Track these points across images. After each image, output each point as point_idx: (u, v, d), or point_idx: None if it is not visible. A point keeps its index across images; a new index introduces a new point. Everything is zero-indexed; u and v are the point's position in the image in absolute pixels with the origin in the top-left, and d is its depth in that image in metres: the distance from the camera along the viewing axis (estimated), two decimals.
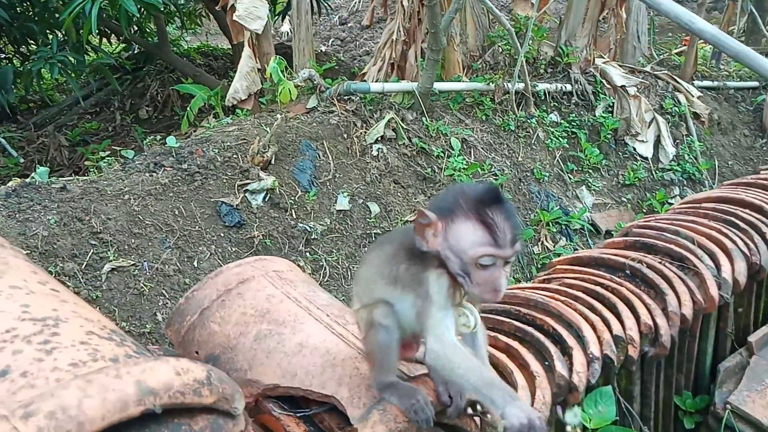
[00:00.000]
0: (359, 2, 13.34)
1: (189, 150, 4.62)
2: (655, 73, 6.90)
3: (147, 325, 3.78)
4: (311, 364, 1.58)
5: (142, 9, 6.45)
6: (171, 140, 4.60)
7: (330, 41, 12.31)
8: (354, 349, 1.61)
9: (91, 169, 4.86)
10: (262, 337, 1.67)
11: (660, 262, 2.70)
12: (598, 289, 2.54)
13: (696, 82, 7.33)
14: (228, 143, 4.68)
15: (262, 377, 1.60)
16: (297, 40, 5.74)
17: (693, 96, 6.87)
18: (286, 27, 11.45)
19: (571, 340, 2.24)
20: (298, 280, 1.89)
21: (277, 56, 5.29)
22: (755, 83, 7.89)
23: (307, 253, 4.42)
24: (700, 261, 2.73)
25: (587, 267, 2.75)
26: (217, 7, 5.83)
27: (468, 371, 1.39)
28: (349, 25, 12.99)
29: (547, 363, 2.18)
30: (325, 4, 9.65)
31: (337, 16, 13.20)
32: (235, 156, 4.60)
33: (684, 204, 3.33)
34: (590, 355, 2.19)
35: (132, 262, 3.97)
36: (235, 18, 5.29)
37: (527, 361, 2.15)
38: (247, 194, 4.45)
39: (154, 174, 4.42)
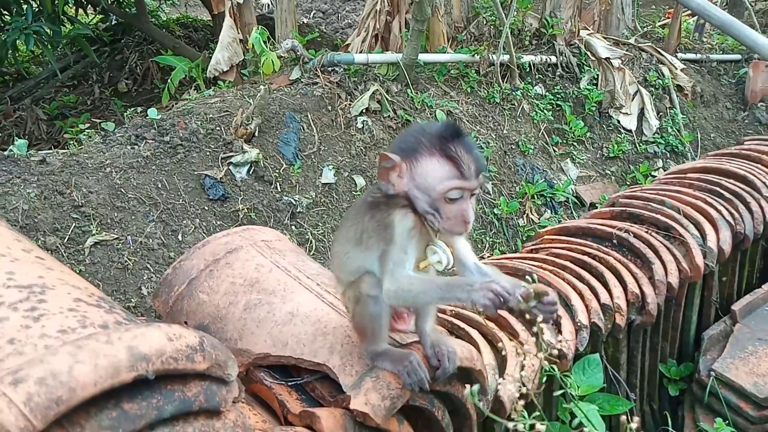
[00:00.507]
0: None
1: (171, 122, 4.54)
2: (639, 45, 6.88)
3: (132, 300, 3.74)
4: (302, 332, 1.57)
5: None
6: (152, 112, 4.51)
7: (312, 13, 12.10)
8: (345, 318, 1.60)
9: (71, 142, 4.75)
10: (251, 306, 1.65)
11: (646, 232, 2.72)
12: (585, 258, 2.55)
13: (679, 55, 7.33)
14: (211, 115, 4.60)
15: (253, 346, 1.59)
16: (279, 10, 5.63)
17: (676, 68, 6.87)
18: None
19: (559, 309, 2.25)
20: (287, 250, 1.87)
21: (259, 27, 5.19)
22: (737, 56, 7.90)
23: (293, 227, 4.39)
24: (686, 230, 2.75)
25: (574, 237, 2.75)
26: None
27: (426, 291, 1.41)
28: None
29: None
30: None
31: None
32: (218, 128, 4.53)
33: (669, 174, 3.34)
34: (578, 324, 2.20)
35: (115, 236, 3.91)
36: None
37: (516, 330, 2.16)
38: (230, 167, 4.40)
39: (136, 147, 4.34)
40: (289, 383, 1.56)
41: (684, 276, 2.57)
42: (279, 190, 4.48)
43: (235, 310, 1.65)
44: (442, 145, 1.41)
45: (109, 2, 8.69)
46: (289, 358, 1.54)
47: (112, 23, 9.52)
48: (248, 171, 4.44)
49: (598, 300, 2.32)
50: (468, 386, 1.37)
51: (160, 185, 4.19)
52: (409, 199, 1.44)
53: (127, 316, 1.06)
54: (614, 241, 2.69)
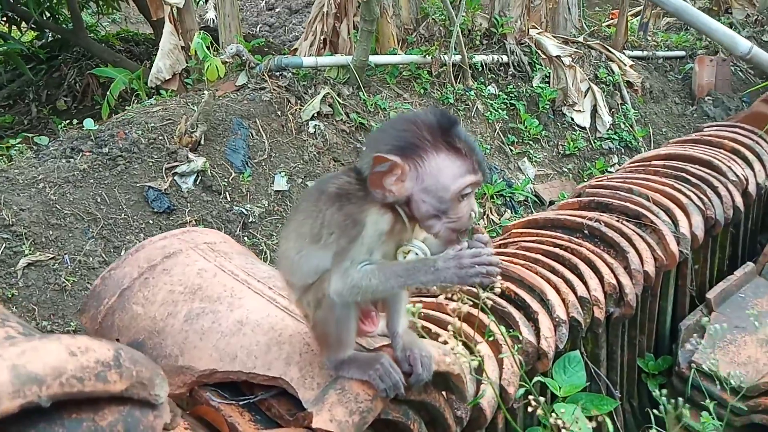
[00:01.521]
0: None
1: (110, 133, 4.26)
2: (588, 43, 6.88)
3: (72, 323, 3.45)
4: (253, 343, 1.36)
5: None
6: (88, 123, 4.22)
7: (258, 27, 11.87)
8: (303, 323, 1.40)
9: (1, 159, 4.43)
10: (194, 316, 1.43)
11: (617, 220, 2.59)
12: (557, 250, 2.41)
13: (627, 52, 7.37)
14: (153, 124, 4.34)
15: (196, 362, 1.37)
16: (222, 15, 5.41)
17: (625, 65, 6.89)
18: (211, 14, 10.96)
19: (535, 305, 2.09)
20: (233, 252, 1.66)
21: (201, 31, 4.95)
22: (682, 53, 8.01)
23: (245, 238, 4.15)
24: (657, 217, 2.64)
25: (543, 229, 2.61)
26: None
27: (383, 282, 1.23)
28: (276, 10, 12.58)
29: (511, 330, 2.02)
30: None
31: (264, 2, 12.76)
32: (160, 137, 4.27)
33: (634, 163, 3.25)
34: (557, 319, 2.05)
35: (51, 256, 3.61)
36: None
37: (491, 330, 1.99)
38: (176, 177, 4.14)
39: (72, 160, 4.05)
40: (241, 402, 1.35)
41: (659, 264, 2.45)
42: (228, 199, 4.24)
43: (174, 322, 1.43)
44: (446, 137, 1.24)
45: (45, 17, 8.32)
46: (239, 373, 1.33)
47: (48, 40, 9.14)
48: (195, 181, 4.19)
49: (575, 293, 2.17)
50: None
51: (99, 199, 3.91)
52: (404, 201, 1.26)
53: (25, 329, 0.84)
54: (585, 232, 2.55)
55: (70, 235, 3.72)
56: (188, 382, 1.36)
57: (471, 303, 1.36)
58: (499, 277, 1.24)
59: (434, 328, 1.87)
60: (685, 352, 2.67)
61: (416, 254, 1.26)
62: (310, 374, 1.31)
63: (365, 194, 1.25)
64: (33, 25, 8.67)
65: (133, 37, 10.09)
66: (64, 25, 8.72)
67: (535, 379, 1.92)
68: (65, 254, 3.63)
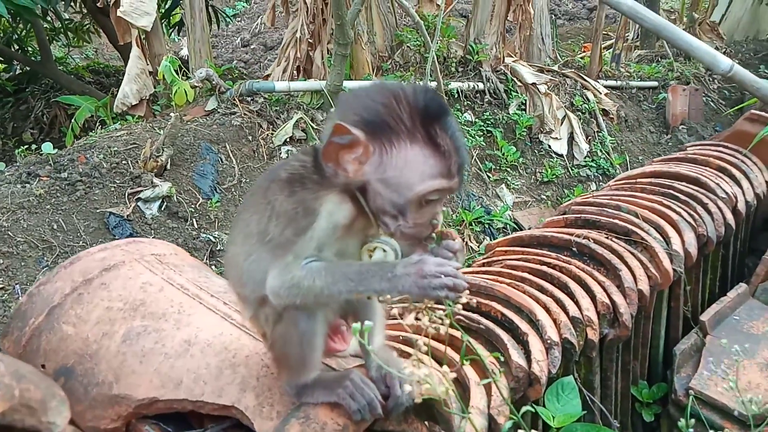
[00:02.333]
0: (261, 25, 12.90)
1: (70, 158, 4.03)
2: (563, 71, 6.87)
3: None
4: (202, 366, 1.15)
5: (13, 12, 5.77)
6: (47, 146, 4.00)
7: (233, 63, 11.77)
8: (261, 342, 1.19)
9: None
10: (133, 336, 1.22)
11: (607, 237, 2.44)
12: (544, 269, 2.24)
13: (601, 82, 7.37)
14: (116, 148, 4.13)
15: (134, 390, 1.16)
16: (192, 40, 5.26)
17: (600, 93, 6.88)
18: (185, 50, 10.83)
19: (524, 326, 1.91)
20: (185, 265, 1.45)
21: (170, 55, 4.79)
22: (655, 83, 8.05)
23: (213, 266, 3.92)
24: (648, 234, 2.49)
25: (529, 247, 2.45)
26: (98, 4, 5.25)
27: (332, 283, 1.02)
28: (252, 47, 12.52)
29: (499, 353, 1.83)
30: (224, 16, 9.17)
31: (239, 38, 12.69)
32: (124, 162, 4.06)
33: (619, 180, 3.12)
34: (548, 341, 1.86)
35: (0, 286, 3.35)
36: (119, 14, 4.76)
37: (476, 352, 1.79)
38: (139, 203, 3.92)
39: (28, 185, 3.81)
40: None
41: (653, 283, 2.29)
42: (196, 226, 4.02)
43: (110, 344, 1.22)
44: (427, 126, 1.03)
45: (13, 49, 8.13)
46: (184, 402, 1.12)
47: (16, 72, 8.93)
48: (160, 207, 3.97)
49: (566, 313, 1.99)
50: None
51: (55, 226, 3.67)
52: (361, 188, 1.06)
53: None
54: (573, 249, 2.39)
55: (23, 263, 3.46)
56: (123, 414, 1.14)
57: (441, 322, 1.14)
58: (466, 292, 1.04)
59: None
60: (681, 379, 2.50)
61: (384, 252, 1.06)
62: (269, 401, 1.10)
63: (322, 179, 1.06)
64: (1, 58, 8.47)
65: (104, 69, 9.91)
66: (33, 58, 8.53)
67: (524, 408, 1.72)
68: (16, 284, 3.37)
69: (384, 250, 1.07)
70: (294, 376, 1.10)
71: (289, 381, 1.11)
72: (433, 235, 1.08)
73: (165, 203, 3.98)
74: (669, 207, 2.68)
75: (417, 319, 1.11)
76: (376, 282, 1.01)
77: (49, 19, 8.19)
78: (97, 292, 1.31)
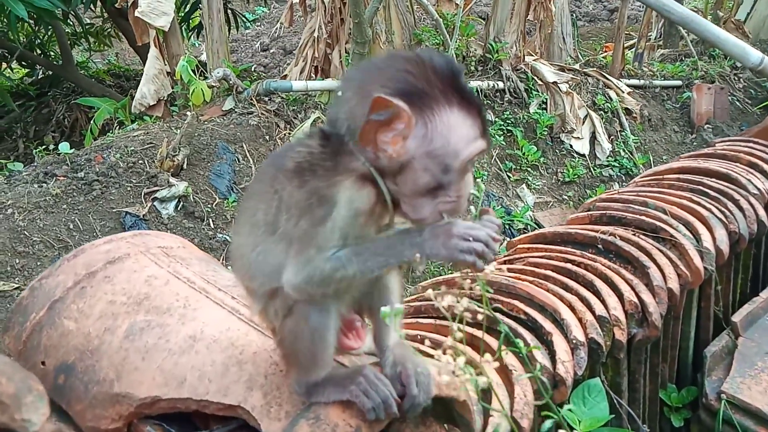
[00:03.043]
0: (281, 28, 12.92)
1: (86, 157, 4.02)
2: (585, 70, 6.75)
3: None
4: (207, 363, 1.09)
5: (35, 16, 5.82)
6: (64, 146, 4.00)
7: (253, 68, 11.80)
8: (270, 338, 1.13)
9: None
10: (136, 331, 1.16)
11: (634, 234, 2.34)
12: (569, 266, 2.15)
13: (623, 81, 7.25)
14: (132, 148, 4.11)
15: (136, 388, 1.09)
16: (210, 41, 5.24)
17: (623, 92, 6.75)
18: (205, 55, 10.87)
19: (548, 325, 1.82)
20: (192, 258, 1.39)
21: (187, 55, 4.77)
22: (678, 82, 7.90)
23: (229, 266, 3.87)
24: (677, 231, 2.38)
25: (552, 245, 2.35)
26: (116, 6, 5.26)
27: (363, 263, 0.96)
28: (271, 51, 12.53)
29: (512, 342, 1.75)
30: (243, 20, 9.18)
31: (258, 43, 12.72)
32: (140, 161, 4.04)
33: (645, 177, 3.02)
34: (573, 341, 1.78)
35: (16, 285, 3.33)
36: (137, 14, 4.75)
37: (506, 342, 1.71)
38: (155, 203, 3.89)
39: (45, 185, 3.80)
40: None
41: (684, 281, 2.19)
42: (212, 226, 3.98)
43: (112, 339, 1.17)
44: (457, 87, 0.96)
45: (36, 54, 8.21)
46: (188, 401, 1.06)
47: (39, 76, 9.02)
48: (176, 207, 3.94)
49: (593, 312, 1.90)
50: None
51: (71, 226, 3.65)
52: (383, 170, 0.97)
53: None
54: (599, 247, 2.29)
55: (39, 263, 3.45)
56: (125, 413, 1.08)
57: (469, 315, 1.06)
58: (494, 263, 0.98)
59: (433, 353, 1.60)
60: (712, 382, 2.39)
61: None
62: (277, 401, 1.04)
63: (335, 163, 0.97)
64: (23, 62, 8.57)
65: (124, 72, 9.98)
66: (55, 62, 8.61)
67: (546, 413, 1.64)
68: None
69: None
70: (304, 373, 1.03)
71: (298, 379, 1.04)
72: (473, 209, 1.02)
73: (181, 203, 3.96)
74: (698, 203, 2.57)
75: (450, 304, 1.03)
76: (406, 249, 0.95)
77: (70, 23, 8.26)
78: (101, 285, 1.26)
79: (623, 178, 6.17)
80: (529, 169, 5.72)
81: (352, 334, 1.12)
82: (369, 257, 0.96)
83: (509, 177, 5.55)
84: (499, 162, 5.59)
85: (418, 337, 1.69)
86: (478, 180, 1.04)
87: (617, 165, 6.17)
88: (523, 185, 5.59)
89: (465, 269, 0.97)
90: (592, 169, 6.09)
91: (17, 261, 3.41)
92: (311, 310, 1.00)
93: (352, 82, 1.01)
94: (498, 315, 1.79)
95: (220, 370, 1.08)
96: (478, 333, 1.73)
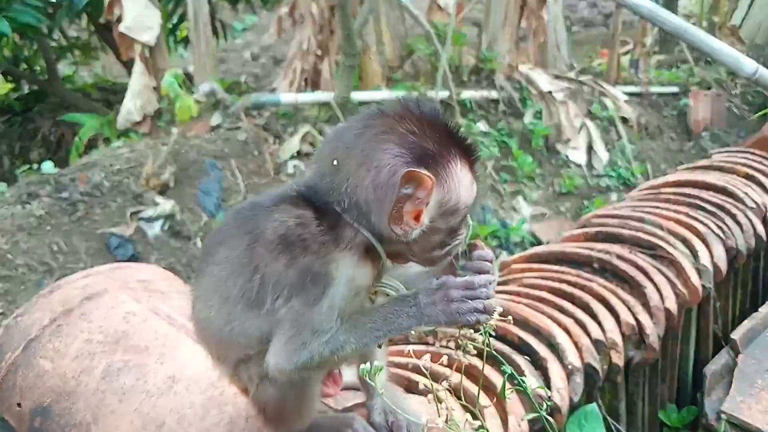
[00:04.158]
0: (270, 39, 12.89)
1: (71, 177, 3.96)
2: (580, 78, 6.73)
3: None
4: (186, 404, 1.04)
5: (19, 31, 5.75)
6: (47, 165, 3.93)
7: (243, 78, 11.75)
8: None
9: None
10: (113, 372, 1.11)
11: (630, 252, 2.30)
12: (564, 287, 2.10)
13: (620, 88, 7.23)
14: (118, 166, 4.05)
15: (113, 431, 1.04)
16: (197, 54, 5.18)
17: (619, 100, 6.72)
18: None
19: (543, 350, 1.77)
20: (173, 292, 1.34)
21: (174, 69, 4.72)
22: (675, 89, 7.89)
23: None
24: (674, 248, 2.34)
25: (547, 264, 2.31)
26: (101, 20, 5.21)
27: (359, 339, 0.92)
28: (262, 60, 12.51)
29: (516, 381, 1.70)
30: (232, 30, 9.13)
31: (249, 52, 12.70)
32: (126, 180, 3.98)
33: (641, 191, 2.98)
34: (569, 366, 1.73)
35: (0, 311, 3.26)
36: (122, 29, 4.70)
37: (492, 381, 1.66)
38: (141, 223, 3.82)
39: (28, 206, 3.73)
40: None
41: (681, 300, 2.14)
42: (200, 245, 3.91)
43: (89, 380, 1.11)
44: (453, 136, 0.93)
45: (21, 69, 8.15)
46: None
47: (24, 92, 8.95)
48: (162, 226, 3.87)
49: (589, 336, 1.85)
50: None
51: (55, 248, 3.58)
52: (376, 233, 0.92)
53: None
54: (595, 266, 2.25)
55: (22, 287, 3.38)
56: None
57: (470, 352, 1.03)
58: (497, 312, 0.94)
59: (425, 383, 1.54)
60: (711, 402, 2.35)
61: (387, 297, 0.95)
62: None
63: (333, 238, 0.91)
64: (8, 77, 8.50)
65: (111, 86, 9.90)
66: (40, 77, 8.54)
67: None
68: (15, 308, 3.27)
69: (387, 294, 0.96)
70: (287, 426, 0.97)
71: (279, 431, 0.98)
72: (461, 249, 0.98)
73: (168, 222, 3.89)
74: (696, 218, 2.53)
75: (457, 346, 0.99)
76: (403, 319, 0.91)
77: (55, 37, 8.20)
78: (77, 323, 1.20)
79: (621, 187, 6.14)
80: (524, 180, 5.67)
81: (330, 381, 1.07)
82: (366, 333, 0.91)
83: (505, 189, 5.51)
84: (494, 174, 5.55)
85: (409, 365, 1.63)
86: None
87: (615, 174, 6.13)
88: (519, 197, 5.55)
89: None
90: (589, 179, 6.05)
91: (0, 285, 3.34)
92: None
93: (353, 151, 0.92)
94: (499, 347, 1.74)
95: (200, 412, 1.03)
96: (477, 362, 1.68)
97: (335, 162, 0.93)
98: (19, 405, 1.16)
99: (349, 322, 0.92)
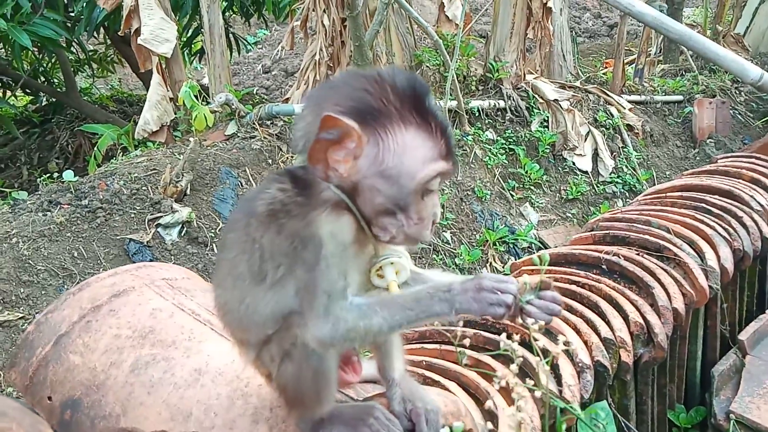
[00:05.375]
0: (282, 51, 13.02)
1: (90, 185, 4.04)
2: (586, 87, 6.78)
3: None
4: (213, 396, 1.09)
5: (38, 44, 5.89)
6: (68, 174, 4.02)
7: (255, 90, 11.89)
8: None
9: None
10: (142, 365, 1.17)
11: (638, 254, 2.34)
12: (573, 288, 2.14)
13: (624, 97, 7.27)
14: (136, 175, 4.13)
15: (142, 422, 1.10)
16: (212, 66, 5.28)
17: (624, 108, 6.76)
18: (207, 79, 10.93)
19: (552, 349, 1.82)
20: (197, 289, 1.40)
21: (189, 80, 4.81)
22: (680, 97, 7.92)
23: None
24: (681, 250, 2.38)
25: (556, 266, 2.35)
26: (119, 34, 5.33)
27: (388, 320, 0.95)
28: (273, 73, 12.63)
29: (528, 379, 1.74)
30: (245, 43, 9.25)
31: (260, 65, 12.83)
32: (144, 188, 4.06)
33: (648, 195, 3.02)
34: (579, 364, 1.77)
35: (20, 315, 3.33)
36: (140, 42, 4.80)
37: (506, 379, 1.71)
38: (159, 229, 3.90)
39: (49, 213, 3.82)
40: None
41: (689, 301, 2.18)
42: (216, 251, 3.99)
43: (118, 374, 1.17)
44: (417, 107, 0.95)
45: (39, 81, 8.29)
46: None
47: (42, 103, 9.10)
48: (180, 232, 3.95)
49: (598, 334, 1.90)
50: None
51: (76, 254, 3.66)
52: (351, 193, 0.97)
53: None
54: (603, 267, 2.29)
55: (43, 292, 3.45)
56: None
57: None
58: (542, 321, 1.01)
59: (438, 379, 1.59)
60: (720, 402, 2.38)
61: (392, 264, 0.99)
62: None
63: (307, 198, 0.96)
64: (27, 90, 8.64)
65: (127, 97, 10.05)
66: (58, 89, 8.68)
67: None
68: (36, 313, 3.35)
69: (392, 263, 1.00)
70: (308, 412, 1.03)
71: (302, 418, 1.03)
72: (527, 285, 1.01)
73: (185, 229, 3.97)
74: (702, 221, 2.57)
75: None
76: (436, 304, 0.95)
77: (73, 50, 8.35)
78: (106, 319, 1.26)
79: (627, 194, 6.17)
80: (532, 187, 5.72)
81: (349, 368, 1.12)
82: (397, 311, 0.95)
83: (512, 195, 5.55)
84: (501, 181, 5.59)
85: (423, 363, 1.69)
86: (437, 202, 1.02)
87: (620, 181, 6.17)
88: (527, 203, 5.59)
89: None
90: (595, 186, 6.09)
91: (22, 290, 3.42)
92: (310, 351, 1.00)
93: (311, 101, 1.01)
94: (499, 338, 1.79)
95: (226, 403, 1.08)
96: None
97: (301, 111, 1.02)
98: (49, 398, 1.22)
99: (384, 299, 0.97)
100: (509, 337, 1.78)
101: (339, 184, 0.96)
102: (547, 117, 6.14)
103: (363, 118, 0.93)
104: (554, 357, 1.71)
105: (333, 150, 0.94)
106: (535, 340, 1.04)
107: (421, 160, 0.95)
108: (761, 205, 2.78)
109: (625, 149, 6.47)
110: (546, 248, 5.24)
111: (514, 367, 1.06)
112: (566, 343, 1.46)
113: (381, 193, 0.95)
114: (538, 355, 1.13)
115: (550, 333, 1.89)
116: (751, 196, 2.83)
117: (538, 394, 1.48)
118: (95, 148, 5.71)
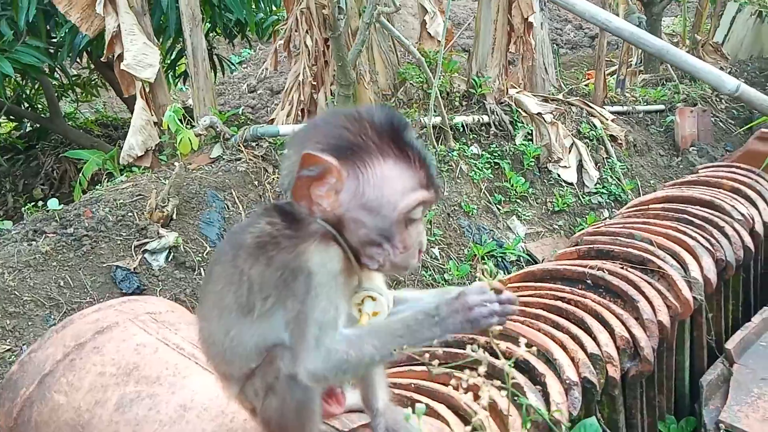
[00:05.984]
0: (266, 71, 13.06)
1: (75, 213, 4.03)
2: (568, 99, 6.84)
3: None
4: None
5: (21, 71, 5.88)
6: (53, 203, 4.00)
7: (240, 109, 11.92)
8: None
9: None
10: (126, 403, 1.17)
11: (622, 268, 2.36)
12: (559, 304, 2.16)
13: (607, 108, 7.34)
14: (121, 201, 4.12)
15: None
16: (196, 89, 5.29)
17: (607, 119, 6.83)
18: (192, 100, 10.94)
19: (540, 366, 1.83)
20: (181, 323, 1.40)
21: (174, 104, 4.81)
22: (661, 106, 8.02)
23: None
24: (664, 262, 2.41)
25: (542, 282, 2.37)
26: (102, 59, 5.34)
27: (380, 349, 0.96)
28: (258, 92, 12.67)
29: (516, 397, 1.75)
30: (229, 63, 9.28)
31: (245, 84, 12.87)
32: (129, 214, 4.05)
33: (630, 208, 3.06)
34: (567, 381, 1.78)
35: (7, 347, 3.31)
36: (123, 67, 4.81)
37: (492, 398, 1.71)
38: (146, 255, 3.89)
39: (34, 242, 3.80)
40: None
41: (673, 312, 2.20)
42: (204, 275, 3.97)
43: (103, 412, 1.16)
44: (395, 140, 0.98)
45: (23, 107, 8.28)
46: None
47: (26, 130, 9.07)
48: (167, 258, 3.94)
49: (584, 350, 1.91)
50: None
51: (62, 283, 3.64)
52: (337, 226, 0.99)
53: None
54: (588, 282, 2.31)
55: (30, 323, 3.43)
56: None
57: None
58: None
59: (427, 401, 1.59)
60: (710, 411, 2.39)
61: (373, 300, 1.01)
62: None
63: (296, 232, 0.98)
64: (10, 116, 8.62)
65: (112, 121, 10.03)
66: (42, 115, 8.66)
67: None
68: (23, 345, 3.32)
69: (373, 298, 1.01)
70: None
71: None
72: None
73: (172, 254, 3.96)
74: (684, 232, 2.60)
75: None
76: (425, 330, 0.97)
77: (57, 76, 8.35)
78: (90, 356, 1.26)
79: (612, 204, 6.22)
80: (518, 200, 5.75)
81: (332, 400, 1.12)
82: (388, 339, 0.96)
83: (499, 209, 5.58)
84: (488, 195, 5.62)
85: (411, 385, 1.69)
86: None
87: (605, 192, 6.22)
88: (513, 217, 5.62)
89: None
90: (580, 197, 6.13)
91: (8, 322, 3.39)
92: (293, 384, 1.00)
93: (294, 141, 1.05)
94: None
95: None
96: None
97: (286, 151, 1.06)
98: None
99: (373, 328, 0.98)
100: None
101: (325, 218, 0.98)
102: (531, 130, 6.18)
103: (342, 154, 0.96)
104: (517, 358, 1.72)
105: (315, 186, 0.96)
106: (496, 344, 1.04)
107: (401, 191, 0.98)
108: (742, 215, 2.81)
109: (609, 160, 6.53)
110: (534, 261, 5.26)
111: (482, 369, 1.06)
112: (528, 345, 1.46)
113: (365, 225, 0.98)
114: (501, 357, 1.14)
115: (539, 351, 1.90)
116: (732, 206, 2.87)
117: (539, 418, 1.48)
118: (80, 175, 5.70)
